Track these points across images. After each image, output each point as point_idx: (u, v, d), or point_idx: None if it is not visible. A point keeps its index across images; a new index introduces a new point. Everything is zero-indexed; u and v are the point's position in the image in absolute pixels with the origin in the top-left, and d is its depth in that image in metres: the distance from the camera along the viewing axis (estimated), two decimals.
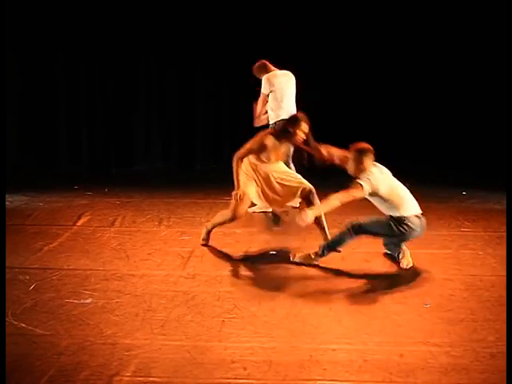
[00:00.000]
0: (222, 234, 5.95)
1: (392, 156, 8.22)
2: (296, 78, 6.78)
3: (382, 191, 4.89)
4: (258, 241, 5.73)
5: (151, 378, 3.25)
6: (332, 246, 5.09)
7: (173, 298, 4.33)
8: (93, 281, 4.65)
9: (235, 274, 4.82)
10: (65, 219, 6.44)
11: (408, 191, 5.02)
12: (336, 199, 4.79)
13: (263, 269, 4.96)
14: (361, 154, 4.96)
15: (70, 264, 5.04)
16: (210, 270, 4.93)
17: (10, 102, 8.74)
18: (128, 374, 3.27)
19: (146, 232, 6.04)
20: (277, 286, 4.58)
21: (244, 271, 4.89)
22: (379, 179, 4.90)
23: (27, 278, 4.68)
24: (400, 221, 4.88)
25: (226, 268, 4.97)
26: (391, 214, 4.93)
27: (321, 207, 5.06)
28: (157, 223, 6.34)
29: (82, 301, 4.25)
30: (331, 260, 5.17)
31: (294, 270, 4.91)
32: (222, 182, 7.78)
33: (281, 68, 6.78)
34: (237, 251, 5.39)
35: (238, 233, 5.97)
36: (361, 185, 4.81)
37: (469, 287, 4.58)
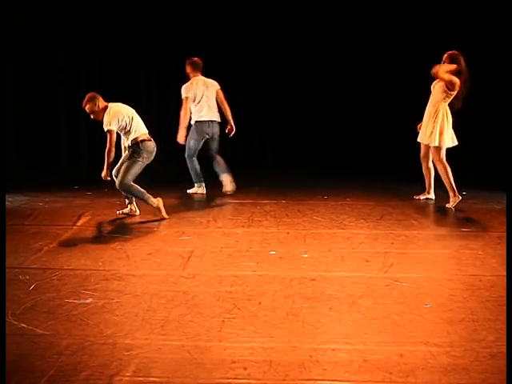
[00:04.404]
0: (222, 233, 5.97)
1: (393, 156, 8.22)
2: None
3: None
4: (258, 241, 5.72)
5: (151, 378, 3.24)
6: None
7: (173, 297, 4.32)
8: (93, 281, 4.65)
9: (235, 274, 4.81)
10: (65, 219, 6.44)
11: None
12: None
13: (263, 269, 4.96)
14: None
15: (70, 264, 5.04)
16: (210, 269, 4.93)
17: (10, 102, 8.75)
18: (128, 374, 3.26)
19: (146, 232, 6.05)
20: (277, 285, 4.58)
21: (244, 271, 4.88)
22: None
23: (27, 278, 4.68)
24: None
25: (226, 268, 4.97)
26: None
27: None
28: (157, 223, 6.34)
29: (81, 301, 4.24)
30: (331, 260, 5.17)
31: (294, 270, 4.91)
32: (221, 183, 7.82)
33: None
34: (237, 251, 5.40)
35: (238, 233, 5.98)
36: None
37: (469, 287, 4.58)
